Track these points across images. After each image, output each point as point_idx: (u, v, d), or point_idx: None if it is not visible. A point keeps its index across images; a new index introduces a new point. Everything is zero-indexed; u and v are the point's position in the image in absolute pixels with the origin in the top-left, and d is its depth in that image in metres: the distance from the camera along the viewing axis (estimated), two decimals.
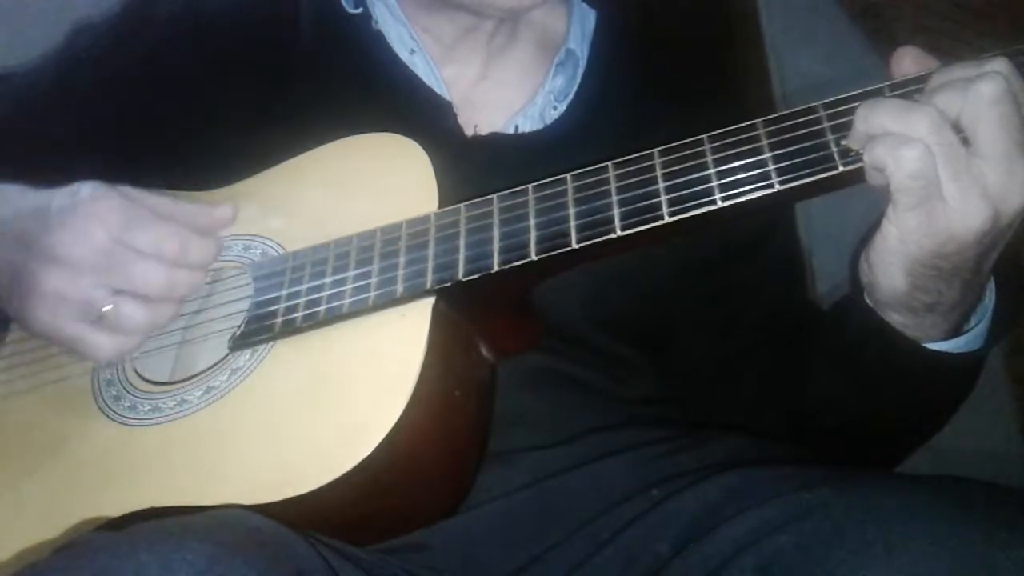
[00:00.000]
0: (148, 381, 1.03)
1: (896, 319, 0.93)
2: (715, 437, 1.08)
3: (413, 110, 1.16)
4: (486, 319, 0.99)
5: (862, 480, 0.89)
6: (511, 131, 1.17)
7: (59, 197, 1.01)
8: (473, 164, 1.10)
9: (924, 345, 0.94)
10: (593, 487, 1.03)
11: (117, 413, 1.01)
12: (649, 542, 0.98)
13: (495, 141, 1.16)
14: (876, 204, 0.88)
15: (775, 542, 0.86)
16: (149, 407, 1.00)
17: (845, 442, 1.05)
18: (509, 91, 1.19)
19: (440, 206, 1.01)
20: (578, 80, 1.19)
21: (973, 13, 1.90)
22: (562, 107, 1.18)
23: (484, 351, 1.00)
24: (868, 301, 0.94)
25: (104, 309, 0.97)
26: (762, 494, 0.92)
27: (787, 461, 1.02)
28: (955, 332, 0.94)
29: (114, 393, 1.03)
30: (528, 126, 1.17)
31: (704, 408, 1.16)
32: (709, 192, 0.89)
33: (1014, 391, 1.47)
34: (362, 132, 1.10)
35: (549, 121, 1.18)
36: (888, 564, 0.77)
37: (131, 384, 1.03)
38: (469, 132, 1.16)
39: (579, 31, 1.21)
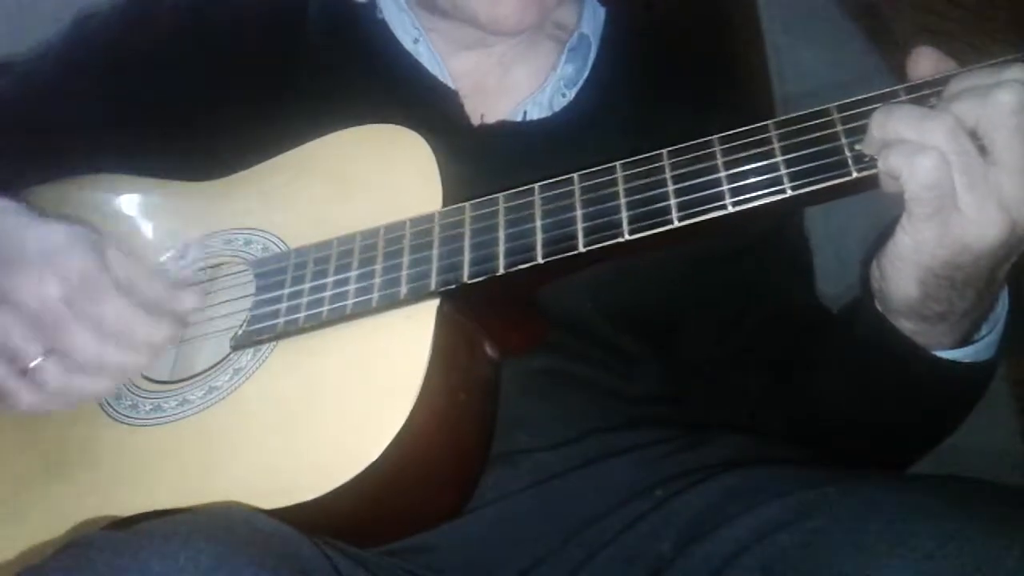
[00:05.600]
0: (150, 380, 1.02)
1: (906, 326, 0.92)
2: (718, 437, 1.08)
3: (418, 99, 1.16)
4: (491, 319, 0.98)
5: (865, 479, 0.89)
6: (519, 118, 1.17)
7: (37, 236, 1.00)
8: (480, 153, 1.10)
9: (934, 353, 0.94)
10: (596, 488, 1.02)
11: (118, 412, 1.00)
12: (651, 542, 0.97)
13: (502, 129, 1.16)
14: (877, 202, 0.87)
15: (778, 541, 0.86)
16: (151, 406, 0.99)
17: (850, 446, 1.05)
18: (518, 78, 1.20)
19: (445, 196, 1.00)
20: (588, 67, 1.19)
21: (973, 13, 1.89)
22: (571, 94, 1.18)
23: (488, 351, 0.99)
24: (878, 307, 0.94)
25: (30, 364, 0.96)
26: (765, 493, 0.92)
27: (790, 461, 1.02)
28: (966, 341, 0.94)
29: (116, 391, 1.02)
30: (536, 113, 1.17)
31: (708, 407, 1.15)
32: (719, 196, 0.88)
33: (1014, 391, 1.47)
34: (366, 122, 1.09)
35: (557, 108, 1.18)
36: (892, 563, 0.77)
37: (132, 382, 1.02)
38: (476, 120, 1.16)
39: (591, 22, 1.22)
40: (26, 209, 1.04)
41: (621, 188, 0.92)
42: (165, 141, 1.16)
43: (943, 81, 0.84)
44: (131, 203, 1.15)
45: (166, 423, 0.98)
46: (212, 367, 1.00)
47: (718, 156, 0.89)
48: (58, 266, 0.96)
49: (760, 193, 0.87)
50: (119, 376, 1.00)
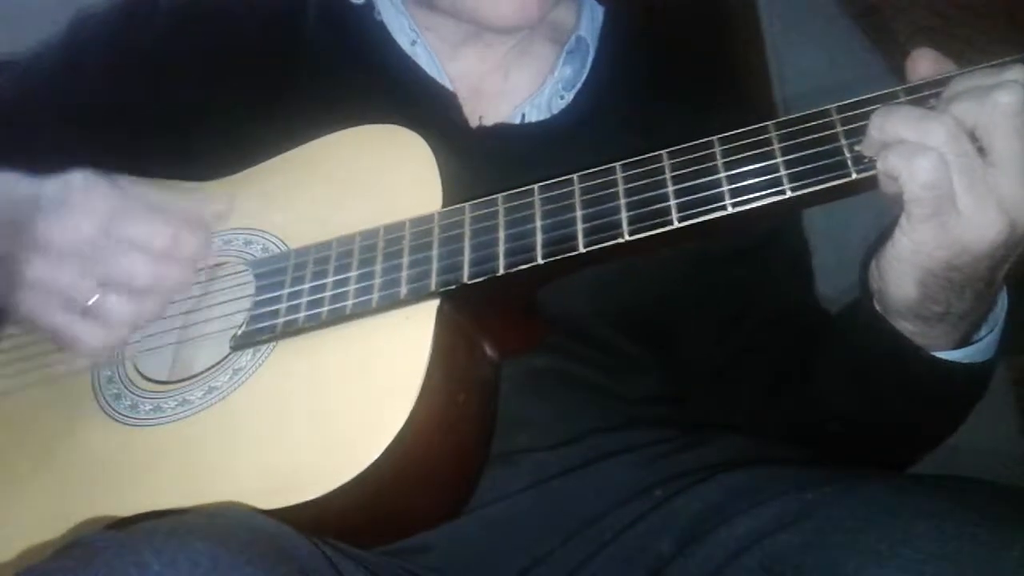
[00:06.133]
0: (149, 380, 1.02)
1: (905, 327, 0.93)
2: (718, 437, 1.08)
3: (415, 101, 1.16)
4: (490, 319, 0.98)
5: (866, 479, 0.89)
6: (517, 121, 1.17)
7: (51, 185, 0.99)
8: (478, 155, 1.10)
9: (933, 354, 0.94)
10: (595, 488, 1.03)
11: (118, 412, 1.00)
12: (651, 541, 0.98)
13: (500, 131, 1.16)
14: (877, 203, 0.87)
15: (779, 541, 0.86)
16: (150, 407, 0.99)
17: (851, 446, 1.05)
18: (516, 81, 1.19)
19: (444, 199, 1.00)
20: (587, 70, 1.19)
21: (973, 13, 1.89)
22: (569, 97, 1.18)
23: (488, 351, 0.99)
24: (877, 307, 0.94)
25: (89, 301, 0.95)
26: (765, 493, 0.92)
27: (790, 461, 1.02)
28: (965, 341, 0.94)
29: (115, 391, 1.02)
30: (535, 115, 1.17)
31: (707, 409, 1.15)
32: (719, 197, 0.88)
33: (1014, 391, 1.48)
34: (365, 123, 1.09)
35: (556, 111, 1.18)
36: (893, 563, 0.77)
37: (132, 382, 1.02)
38: (474, 123, 1.16)
39: (589, 24, 1.22)
40: (25, 175, 1.04)
41: (621, 189, 0.92)
42: (163, 142, 1.16)
43: (943, 82, 0.84)
44: None
45: (166, 423, 0.98)
46: (212, 367, 1.00)
47: (718, 157, 0.89)
48: (83, 204, 0.96)
49: (760, 194, 0.87)
50: (174, 292, 0.99)
